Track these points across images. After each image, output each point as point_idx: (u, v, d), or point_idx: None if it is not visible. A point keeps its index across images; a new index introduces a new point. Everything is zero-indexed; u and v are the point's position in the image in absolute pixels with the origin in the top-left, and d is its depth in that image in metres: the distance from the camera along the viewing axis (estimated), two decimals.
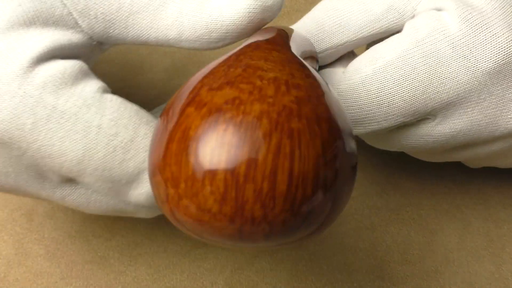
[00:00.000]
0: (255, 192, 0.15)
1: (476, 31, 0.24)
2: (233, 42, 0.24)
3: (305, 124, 0.16)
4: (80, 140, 0.21)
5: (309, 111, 0.17)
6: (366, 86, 0.24)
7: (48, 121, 0.20)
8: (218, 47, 0.24)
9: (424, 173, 0.33)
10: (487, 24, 0.24)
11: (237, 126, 0.16)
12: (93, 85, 0.22)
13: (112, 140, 0.21)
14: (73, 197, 0.23)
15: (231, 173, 0.15)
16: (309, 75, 0.18)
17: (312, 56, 0.26)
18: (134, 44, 0.24)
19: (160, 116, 0.18)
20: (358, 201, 0.32)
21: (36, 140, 0.21)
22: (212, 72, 0.18)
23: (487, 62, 0.24)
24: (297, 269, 0.29)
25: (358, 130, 0.26)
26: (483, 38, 0.24)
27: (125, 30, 0.23)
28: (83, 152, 0.21)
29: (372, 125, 0.25)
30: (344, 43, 0.27)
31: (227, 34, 0.23)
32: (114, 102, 0.22)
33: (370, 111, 0.25)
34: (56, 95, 0.20)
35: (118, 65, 0.37)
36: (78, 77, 0.21)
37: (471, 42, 0.24)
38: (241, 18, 0.22)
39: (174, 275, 0.29)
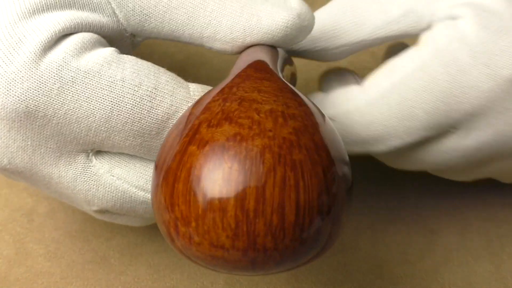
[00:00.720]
0: (265, 226, 0.16)
1: (496, 37, 0.23)
2: None
3: (306, 154, 0.17)
4: (106, 96, 0.21)
5: (307, 140, 0.17)
6: (386, 100, 0.24)
7: (73, 83, 0.21)
8: None
9: (424, 173, 0.33)
10: (506, 29, 0.23)
11: (242, 163, 0.16)
12: (109, 48, 0.22)
13: (137, 91, 0.21)
14: (84, 177, 0.23)
15: (241, 209, 0.16)
16: (301, 103, 0.19)
17: (289, 60, 0.26)
18: (166, 39, 0.25)
19: (160, 151, 0.18)
20: (358, 201, 0.32)
21: (63, 104, 0.21)
22: (208, 108, 0.18)
23: (508, 68, 0.23)
24: (297, 269, 0.29)
25: (379, 148, 0.25)
26: (503, 44, 0.23)
27: (160, 25, 0.24)
28: (111, 108, 0.21)
29: (394, 141, 0.24)
30: (359, 42, 0.27)
31: (261, 42, 0.24)
32: (131, 57, 0.22)
33: (391, 125, 0.24)
34: (78, 58, 0.21)
35: None
36: (96, 44, 0.22)
37: (491, 49, 0.23)
38: (278, 30, 0.23)
39: (174, 275, 0.29)
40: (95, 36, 0.22)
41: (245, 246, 0.16)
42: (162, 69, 0.23)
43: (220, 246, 0.16)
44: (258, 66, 0.21)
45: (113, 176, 0.23)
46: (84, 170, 0.23)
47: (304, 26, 0.24)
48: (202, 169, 0.16)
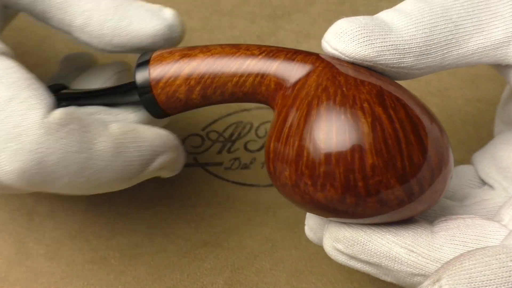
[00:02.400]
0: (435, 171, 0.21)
1: None
2: (131, 53, 0.25)
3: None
4: None
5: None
6: None
7: None
8: (115, 52, 0.25)
9: None
10: None
11: (426, 121, 0.21)
12: None
13: None
14: None
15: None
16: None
17: None
18: (37, 19, 0.25)
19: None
20: None
21: None
22: (349, 96, 0.21)
23: None
24: (297, 269, 0.29)
25: None
26: None
27: (33, 2, 0.24)
28: None
29: None
30: (450, 64, 0.23)
31: (128, 44, 0.24)
32: (7, 62, 0.22)
33: None
34: None
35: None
36: None
37: None
38: (145, 37, 0.24)
39: (174, 275, 0.29)
40: None
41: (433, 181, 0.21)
42: (35, 86, 0.22)
43: (424, 183, 0.21)
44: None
45: None
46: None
47: (172, 38, 0.25)
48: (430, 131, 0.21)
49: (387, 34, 0.22)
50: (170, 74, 0.23)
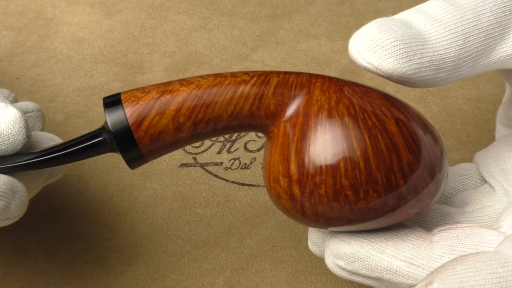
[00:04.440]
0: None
1: None
2: None
3: None
4: None
5: None
6: None
7: None
8: None
9: None
10: None
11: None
12: None
13: None
14: None
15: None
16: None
17: None
18: None
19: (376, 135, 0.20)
20: None
21: None
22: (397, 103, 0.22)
23: None
24: (297, 269, 0.29)
25: None
26: None
27: None
28: None
29: None
30: (477, 73, 0.23)
31: None
32: None
33: None
34: None
35: (118, 65, 0.37)
36: None
37: None
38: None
39: (174, 275, 0.29)
40: None
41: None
42: None
43: (418, 186, 0.21)
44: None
45: None
46: None
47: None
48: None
49: (424, 48, 0.21)
50: (154, 113, 0.21)
